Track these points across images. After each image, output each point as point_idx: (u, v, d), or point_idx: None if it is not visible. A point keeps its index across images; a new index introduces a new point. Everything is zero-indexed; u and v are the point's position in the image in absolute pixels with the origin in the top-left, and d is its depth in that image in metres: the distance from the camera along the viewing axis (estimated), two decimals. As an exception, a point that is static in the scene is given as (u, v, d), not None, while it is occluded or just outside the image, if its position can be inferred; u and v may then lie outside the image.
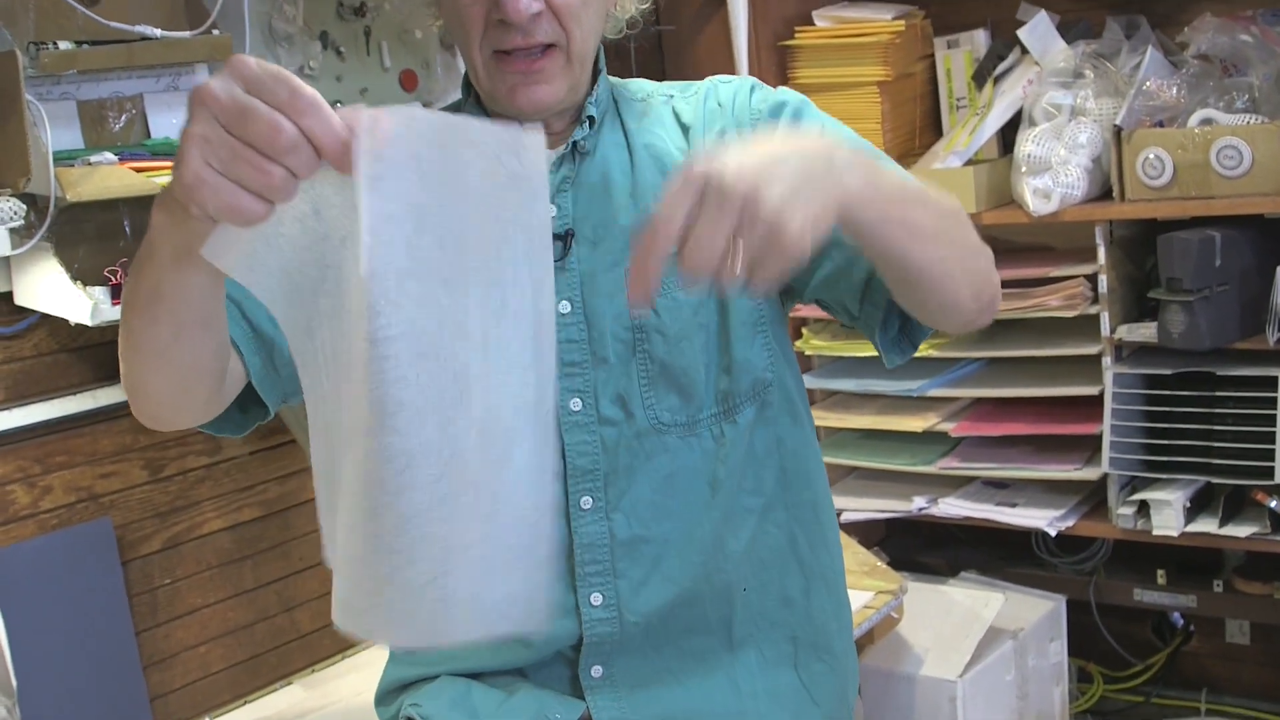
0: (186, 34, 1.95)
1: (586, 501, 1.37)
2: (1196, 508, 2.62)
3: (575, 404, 1.36)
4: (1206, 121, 2.54)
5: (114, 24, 1.91)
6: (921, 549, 3.12)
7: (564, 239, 1.36)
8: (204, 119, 0.85)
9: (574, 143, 1.37)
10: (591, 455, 1.36)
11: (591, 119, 1.38)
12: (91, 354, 2.13)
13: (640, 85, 1.48)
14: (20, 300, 1.95)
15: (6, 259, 1.93)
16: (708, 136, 1.40)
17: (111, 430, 2.15)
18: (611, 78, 1.46)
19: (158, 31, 1.93)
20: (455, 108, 1.45)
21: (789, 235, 0.94)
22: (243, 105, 0.84)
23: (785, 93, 1.42)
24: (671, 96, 1.45)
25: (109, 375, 2.14)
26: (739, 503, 1.40)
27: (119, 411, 2.14)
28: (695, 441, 1.38)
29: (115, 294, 1.85)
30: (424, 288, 0.87)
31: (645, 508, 1.37)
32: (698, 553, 1.39)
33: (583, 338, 1.36)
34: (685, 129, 1.42)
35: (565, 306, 1.36)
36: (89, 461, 2.12)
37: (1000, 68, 2.84)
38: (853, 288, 1.34)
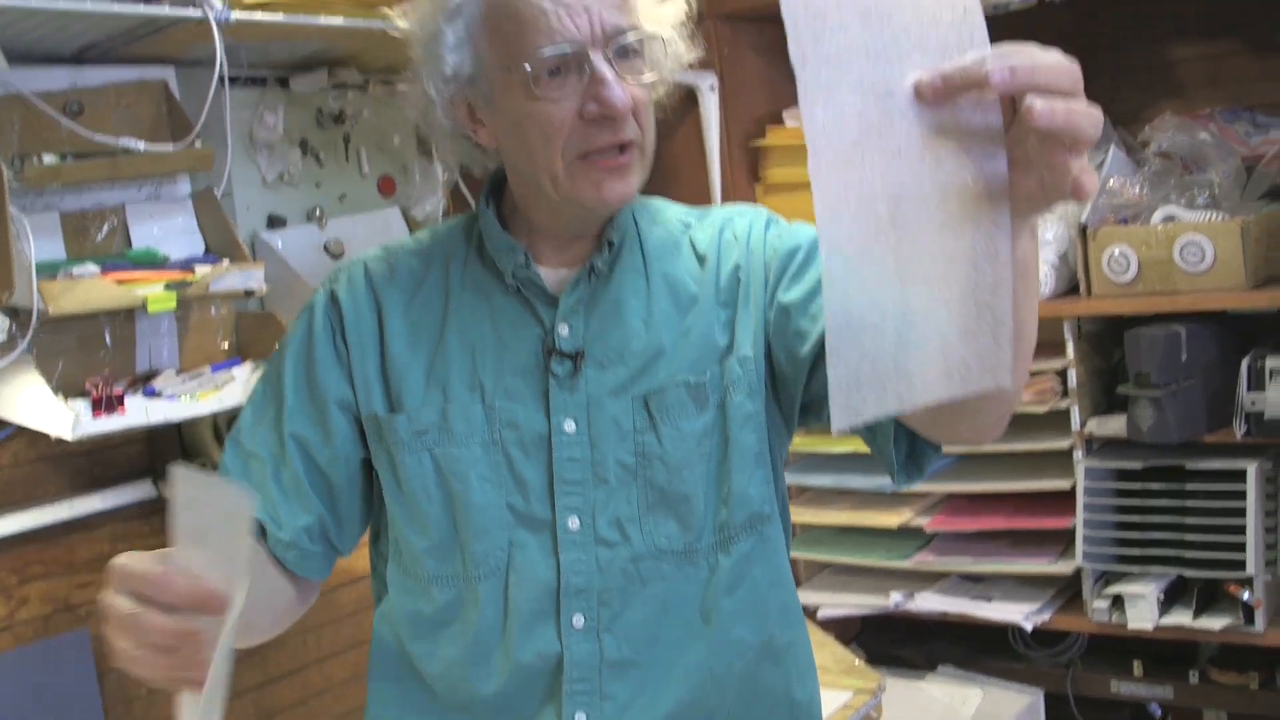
0: (169, 147, 1.97)
1: (579, 620, 1.37)
2: (1170, 600, 2.64)
3: (573, 523, 1.37)
4: (1169, 218, 2.59)
5: (98, 137, 1.92)
6: (898, 643, 3.12)
7: (574, 359, 1.38)
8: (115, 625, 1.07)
9: (592, 265, 1.40)
10: (586, 574, 1.37)
11: (611, 243, 1.41)
12: (69, 463, 2.12)
13: (660, 208, 1.51)
14: (1, 412, 1.94)
15: (-13, 370, 1.93)
16: (723, 268, 1.43)
17: (88, 540, 2.13)
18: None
19: (141, 145, 1.94)
20: (470, 220, 1.48)
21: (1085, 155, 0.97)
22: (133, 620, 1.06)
23: (799, 233, 1.44)
24: (689, 226, 1.48)
25: (86, 485, 2.13)
26: (733, 634, 1.40)
27: (96, 521, 2.13)
28: (691, 571, 1.38)
29: (96, 406, 1.85)
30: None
31: (637, 631, 1.38)
32: (685, 681, 1.39)
33: (585, 457, 1.37)
34: (701, 259, 1.44)
35: (570, 425, 1.37)
36: (66, 572, 2.10)
37: (967, 166, 2.89)
38: None
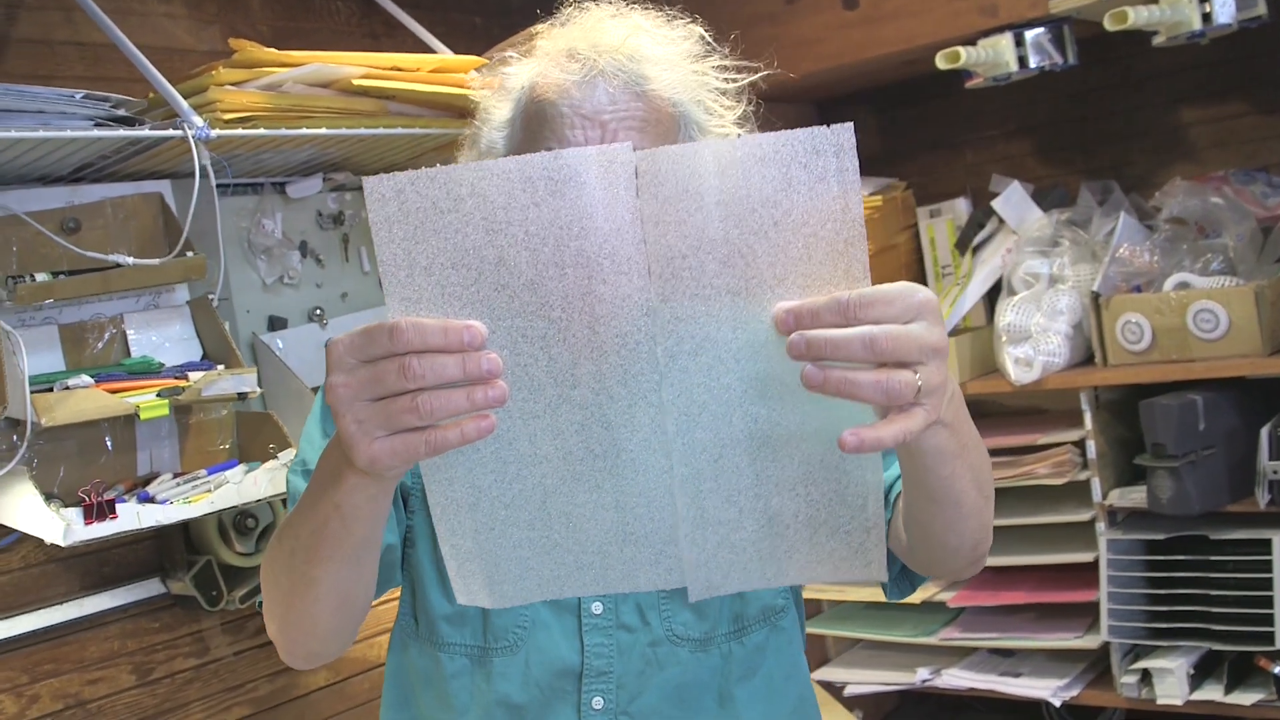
0: (156, 261, 2.04)
1: (598, 702, 1.40)
2: (1201, 675, 2.57)
3: (597, 608, 1.40)
4: (1182, 285, 2.55)
5: (91, 254, 2.00)
6: (937, 718, 3.08)
7: None
8: (346, 402, 0.95)
9: None
10: (607, 657, 1.40)
11: None
12: (78, 564, 2.19)
13: None
14: (1, 519, 2.02)
15: (-10, 479, 2.01)
16: None
17: (99, 637, 2.20)
18: None
19: (130, 259, 2.02)
20: None
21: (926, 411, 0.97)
22: (367, 374, 0.94)
23: None
24: None
25: (95, 584, 2.20)
26: None
27: (106, 618, 2.20)
28: (705, 658, 1.41)
29: (88, 514, 1.91)
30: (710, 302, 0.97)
31: (653, 715, 1.40)
32: None
33: None
34: None
35: None
36: (77, 669, 2.17)
37: (980, 236, 2.88)
38: None
